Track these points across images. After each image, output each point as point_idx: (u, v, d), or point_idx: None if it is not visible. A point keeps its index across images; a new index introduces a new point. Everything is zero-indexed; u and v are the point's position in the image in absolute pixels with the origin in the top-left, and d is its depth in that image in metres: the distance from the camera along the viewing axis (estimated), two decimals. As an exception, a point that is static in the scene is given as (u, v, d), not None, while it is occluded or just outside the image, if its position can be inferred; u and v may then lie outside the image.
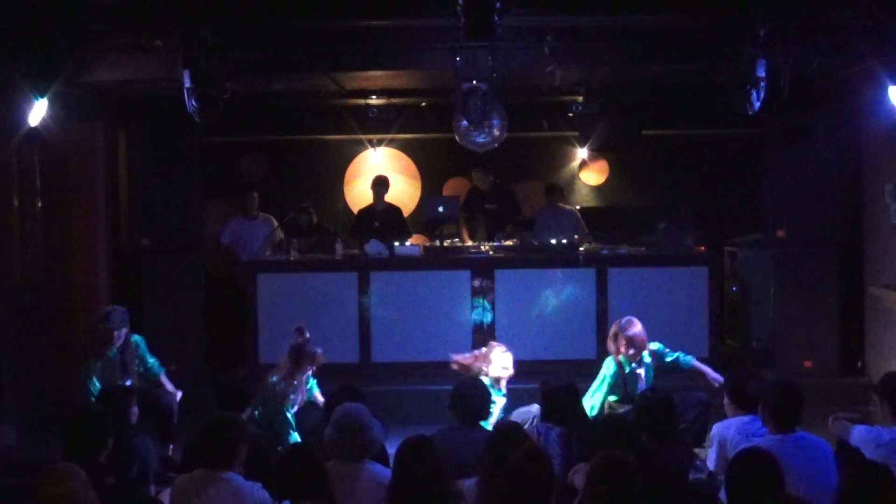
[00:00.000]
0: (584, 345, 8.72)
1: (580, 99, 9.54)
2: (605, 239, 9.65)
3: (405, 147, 11.46)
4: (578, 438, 5.11)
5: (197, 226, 9.11)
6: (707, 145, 10.95)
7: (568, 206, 10.35)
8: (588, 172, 11.51)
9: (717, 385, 6.69)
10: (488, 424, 6.13)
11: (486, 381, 6.35)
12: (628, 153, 10.91)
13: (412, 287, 8.81)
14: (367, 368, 8.65)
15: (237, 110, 8.05)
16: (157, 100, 8.48)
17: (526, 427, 5.51)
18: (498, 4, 6.25)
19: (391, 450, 4.87)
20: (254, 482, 4.32)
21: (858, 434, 4.80)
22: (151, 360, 7.14)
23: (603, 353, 8.63)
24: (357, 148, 11.46)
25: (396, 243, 9.04)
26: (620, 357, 6.82)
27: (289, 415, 6.36)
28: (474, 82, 6.98)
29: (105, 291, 8.67)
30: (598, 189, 11.57)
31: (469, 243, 9.71)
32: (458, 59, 6.99)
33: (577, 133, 10.86)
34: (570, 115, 9.91)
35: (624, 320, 6.84)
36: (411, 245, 9.15)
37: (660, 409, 5.05)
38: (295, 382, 6.43)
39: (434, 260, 8.96)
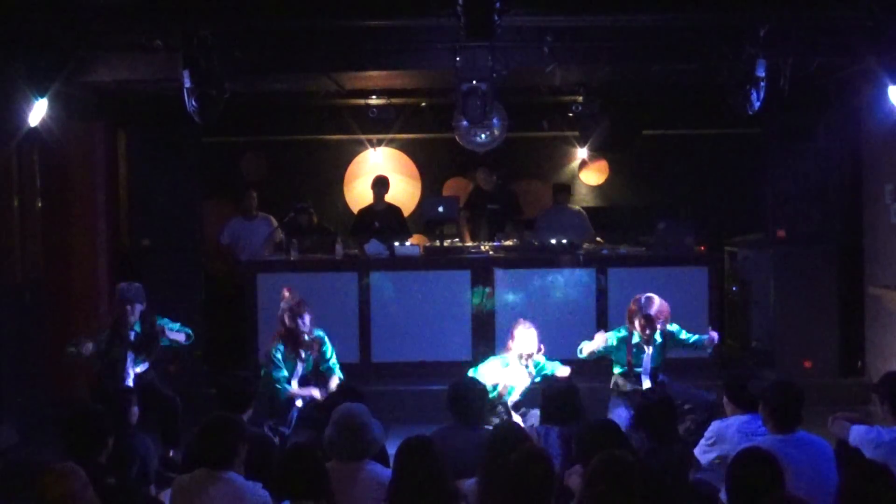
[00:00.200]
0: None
1: (580, 99, 9.54)
2: (605, 239, 9.67)
3: (405, 147, 11.46)
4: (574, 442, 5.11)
5: (197, 226, 9.11)
6: (707, 145, 10.95)
7: (575, 207, 10.35)
8: (588, 172, 11.51)
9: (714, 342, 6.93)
10: (508, 402, 6.49)
11: (510, 358, 6.62)
12: (628, 153, 10.91)
13: (412, 287, 8.81)
14: (367, 368, 8.65)
15: (237, 110, 8.05)
16: (157, 100, 8.48)
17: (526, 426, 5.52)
18: (498, 4, 6.25)
19: (391, 450, 4.87)
20: (254, 482, 4.32)
21: (858, 434, 4.79)
22: (174, 326, 7.07)
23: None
24: (357, 148, 11.46)
25: (396, 243, 9.04)
26: (635, 332, 6.84)
27: (277, 375, 6.64)
28: (474, 82, 6.98)
29: (105, 291, 8.65)
30: (598, 189, 11.58)
31: (470, 243, 9.71)
32: (458, 59, 6.99)
33: (577, 133, 10.87)
34: (570, 115, 9.91)
35: (644, 298, 6.81)
36: (411, 245, 9.15)
37: (660, 409, 5.05)
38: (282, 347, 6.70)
39: (434, 260, 8.96)
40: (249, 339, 8.73)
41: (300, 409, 6.64)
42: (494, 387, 6.58)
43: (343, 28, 7.26)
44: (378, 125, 10.66)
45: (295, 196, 10.41)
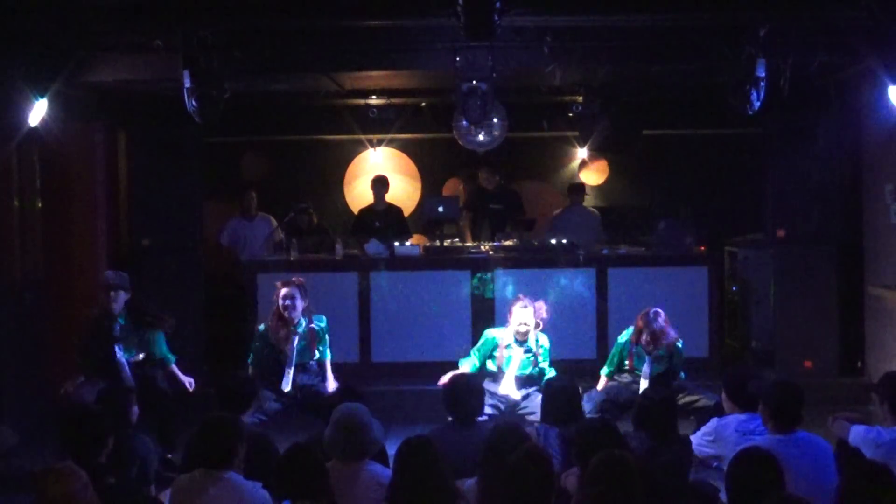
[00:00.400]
0: (584, 345, 8.72)
1: (580, 99, 9.54)
2: (605, 239, 9.67)
3: (405, 147, 11.46)
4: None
5: (197, 226, 9.11)
6: (707, 145, 10.95)
7: (590, 207, 10.33)
8: (588, 172, 11.51)
9: None
10: (504, 378, 6.62)
11: (509, 333, 6.79)
12: (628, 153, 10.91)
13: (412, 287, 8.81)
14: (367, 368, 8.65)
15: (237, 110, 8.05)
16: (157, 100, 8.48)
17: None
18: (498, 4, 6.24)
19: (391, 450, 4.87)
20: (254, 482, 4.32)
21: (858, 434, 4.79)
22: (162, 352, 7.06)
23: (603, 353, 8.66)
24: (357, 148, 11.46)
25: (396, 243, 9.04)
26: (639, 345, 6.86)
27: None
28: (474, 82, 6.99)
29: (105, 291, 8.66)
30: (598, 189, 11.57)
31: (470, 243, 9.71)
32: (458, 59, 7.00)
33: (577, 133, 10.87)
34: (570, 115, 9.92)
35: (652, 312, 6.82)
36: (411, 245, 9.16)
37: (660, 409, 5.05)
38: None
39: (434, 260, 8.96)
40: (249, 340, 8.72)
41: None
42: (494, 340, 6.85)
43: (343, 28, 7.26)
44: (378, 125, 10.66)
45: (295, 196, 10.41)
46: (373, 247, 8.97)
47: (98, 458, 4.57)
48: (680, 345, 6.88)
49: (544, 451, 4.16)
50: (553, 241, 9.01)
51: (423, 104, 10.57)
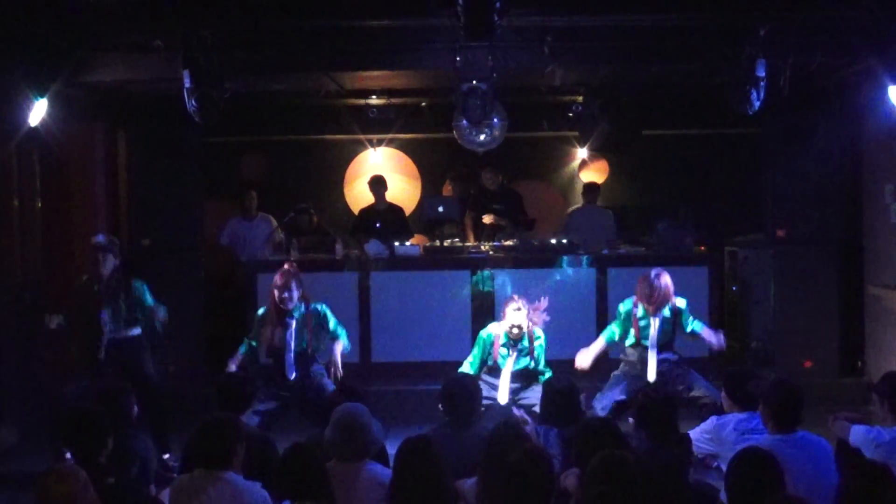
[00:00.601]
0: (584, 345, 8.64)
1: (580, 99, 9.55)
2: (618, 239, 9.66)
3: (405, 147, 11.46)
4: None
5: (197, 226, 9.11)
6: (707, 145, 10.95)
7: (604, 208, 10.30)
8: (588, 172, 11.50)
9: (716, 348, 7.06)
10: (501, 379, 6.64)
11: (502, 330, 6.82)
12: (628, 153, 10.91)
13: (412, 287, 8.81)
14: (367, 368, 8.65)
15: (237, 110, 8.04)
16: (157, 100, 8.48)
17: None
18: (498, 4, 6.24)
19: (391, 450, 4.87)
20: (253, 482, 4.32)
21: (858, 434, 4.79)
22: (149, 302, 7.07)
23: (603, 353, 8.65)
24: (357, 148, 11.46)
25: (396, 243, 9.04)
26: (640, 306, 6.90)
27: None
28: (474, 82, 6.98)
29: (105, 291, 8.66)
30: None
31: (472, 243, 9.71)
32: (458, 59, 6.99)
33: (577, 133, 10.87)
34: (570, 115, 9.92)
35: (654, 272, 6.85)
36: (411, 245, 9.16)
37: (660, 409, 5.04)
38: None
39: (434, 260, 8.96)
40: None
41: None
42: (489, 337, 6.88)
43: (343, 28, 7.25)
44: (378, 125, 10.66)
45: (295, 196, 10.41)
46: (373, 247, 8.97)
47: (98, 458, 4.57)
48: (683, 305, 6.94)
49: (544, 451, 4.16)
50: (553, 241, 9.00)
51: (423, 104, 10.57)
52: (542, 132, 11.15)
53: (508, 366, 6.80)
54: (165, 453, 6.78)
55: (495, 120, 8.32)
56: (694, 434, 5.27)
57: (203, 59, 6.89)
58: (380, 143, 11.40)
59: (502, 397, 6.77)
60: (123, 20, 6.85)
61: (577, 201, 11.35)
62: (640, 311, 6.94)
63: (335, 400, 5.24)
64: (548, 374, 6.86)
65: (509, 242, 9.36)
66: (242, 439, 4.40)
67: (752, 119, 7.50)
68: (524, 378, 6.88)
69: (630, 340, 7.05)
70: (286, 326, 6.78)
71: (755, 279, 9.24)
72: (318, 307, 6.93)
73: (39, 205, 8.06)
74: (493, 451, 4.34)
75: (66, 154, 8.42)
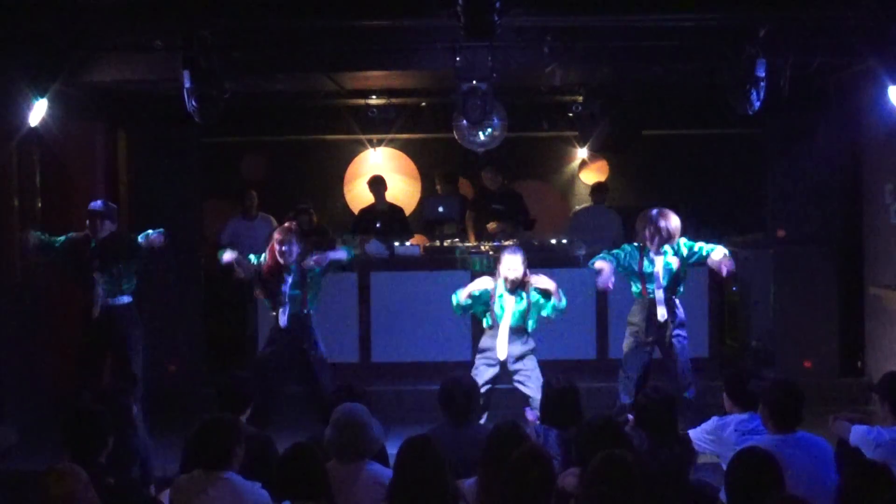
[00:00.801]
0: (583, 345, 8.73)
1: (580, 99, 9.54)
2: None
3: (405, 147, 11.46)
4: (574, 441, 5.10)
5: (197, 226, 9.11)
6: (707, 145, 10.95)
7: (610, 208, 10.30)
8: (588, 172, 11.51)
9: (724, 273, 6.89)
10: (499, 331, 6.68)
11: (499, 283, 6.82)
12: (628, 153, 10.91)
13: (412, 287, 8.80)
14: (367, 368, 8.65)
15: (237, 110, 8.05)
16: (157, 100, 8.48)
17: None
18: (498, 4, 6.23)
19: (391, 450, 4.87)
20: (253, 482, 4.32)
21: (858, 434, 4.80)
22: (139, 239, 7.09)
23: (603, 353, 8.67)
24: (357, 148, 11.46)
25: (396, 243, 9.04)
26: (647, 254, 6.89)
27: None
28: (474, 82, 6.98)
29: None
30: (598, 189, 11.56)
31: (472, 243, 9.70)
32: (458, 59, 6.99)
33: (577, 133, 10.87)
34: (570, 115, 9.92)
35: (655, 212, 6.85)
36: (411, 245, 9.15)
37: (660, 409, 5.04)
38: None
39: (434, 260, 8.96)
40: (249, 339, 8.73)
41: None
42: (486, 292, 6.91)
43: (343, 28, 7.25)
44: (378, 125, 10.67)
45: (295, 196, 10.41)
46: (373, 247, 8.97)
47: (98, 458, 4.57)
48: (685, 242, 6.92)
49: (544, 451, 4.16)
50: (553, 241, 9.00)
51: (423, 104, 10.58)
52: (542, 132, 11.15)
53: (507, 314, 6.80)
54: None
55: (495, 120, 8.31)
56: (695, 434, 5.27)
57: (203, 59, 6.89)
58: (380, 143, 11.40)
59: (501, 352, 6.80)
60: (123, 20, 6.84)
61: (578, 201, 11.36)
62: (645, 252, 6.90)
63: (335, 400, 5.24)
64: (554, 303, 6.85)
65: (509, 242, 9.35)
66: (242, 439, 4.41)
67: (752, 119, 7.49)
68: (519, 337, 6.87)
69: (635, 288, 7.02)
70: (283, 281, 6.97)
71: (755, 279, 9.24)
72: (316, 269, 7.08)
73: (39, 205, 8.06)
74: (493, 451, 4.34)
75: (66, 154, 8.42)
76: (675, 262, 6.89)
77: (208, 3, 6.83)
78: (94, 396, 5.70)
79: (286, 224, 7.17)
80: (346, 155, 11.49)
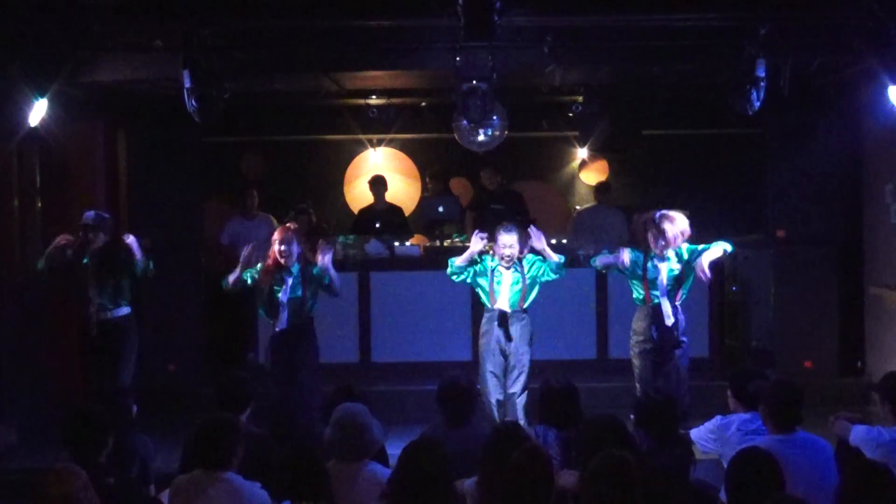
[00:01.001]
0: (583, 345, 8.72)
1: (580, 99, 9.54)
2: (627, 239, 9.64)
3: (405, 147, 11.45)
4: (576, 440, 5.10)
5: (197, 226, 9.11)
6: (707, 145, 10.94)
7: (614, 208, 10.30)
8: (588, 172, 11.50)
9: (704, 279, 6.94)
10: (499, 296, 6.83)
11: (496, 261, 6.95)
12: (628, 153, 10.90)
13: (412, 287, 8.80)
14: (367, 368, 8.65)
15: (237, 110, 8.05)
16: (157, 100, 8.48)
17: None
18: (498, 4, 6.24)
19: (391, 450, 4.87)
20: (253, 482, 4.32)
21: (859, 434, 4.80)
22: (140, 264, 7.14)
23: (602, 353, 8.67)
24: (357, 148, 11.46)
25: (396, 243, 9.03)
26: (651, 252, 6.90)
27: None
28: (474, 82, 6.98)
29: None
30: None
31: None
32: (458, 59, 6.99)
33: (577, 133, 10.87)
34: (570, 115, 9.91)
35: (658, 215, 6.86)
36: (411, 245, 9.15)
37: (661, 409, 5.04)
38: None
39: (434, 260, 8.96)
40: (249, 339, 8.73)
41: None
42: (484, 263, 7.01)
43: (343, 28, 7.25)
44: (378, 125, 10.66)
45: (295, 196, 10.41)
46: (373, 247, 8.97)
47: (98, 458, 4.57)
48: (688, 247, 6.92)
49: (544, 451, 4.16)
50: (553, 241, 8.98)
51: (423, 104, 10.56)
52: (542, 132, 11.14)
53: (504, 288, 6.94)
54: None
55: (495, 120, 8.31)
56: (697, 433, 5.27)
57: (203, 59, 6.89)
58: (380, 143, 11.39)
59: (502, 303, 6.91)
60: (123, 20, 6.85)
61: (578, 201, 11.36)
62: (649, 258, 6.91)
63: (335, 400, 5.24)
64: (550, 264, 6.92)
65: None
66: (242, 439, 4.40)
67: (752, 119, 7.49)
68: (515, 313, 6.96)
69: (637, 295, 7.03)
70: (283, 282, 6.90)
71: (755, 279, 9.24)
72: (316, 270, 7.00)
73: (39, 205, 8.06)
74: (493, 451, 4.34)
75: (66, 154, 8.41)
76: (678, 268, 6.89)
77: (208, 3, 6.84)
78: (95, 396, 5.71)
79: (287, 224, 7.14)
80: (346, 155, 11.49)
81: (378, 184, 9.99)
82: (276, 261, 6.93)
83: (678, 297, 6.98)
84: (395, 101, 10.17)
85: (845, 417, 5.01)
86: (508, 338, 6.97)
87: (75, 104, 8.10)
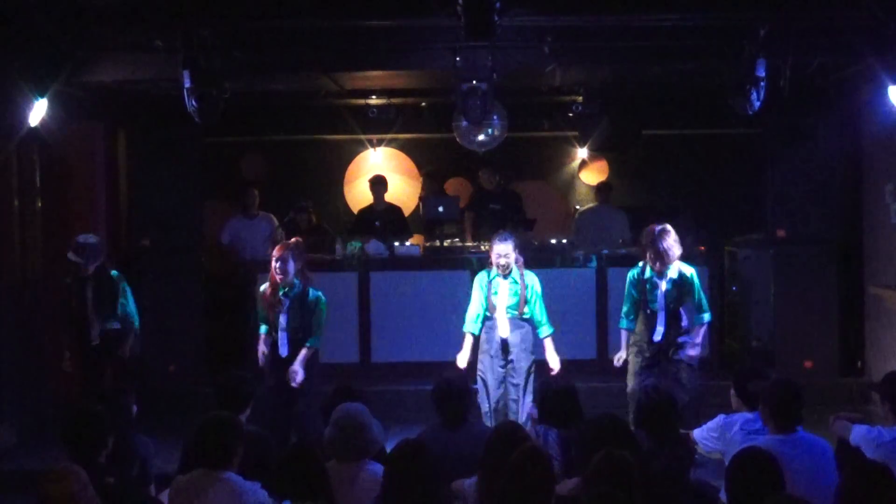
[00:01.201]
0: (583, 345, 8.72)
1: (580, 99, 9.54)
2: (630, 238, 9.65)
3: (405, 147, 11.46)
4: (578, 440, 5.10)
5: (197, 226, 9.12)
6: (707, 145, 10.94)
7: (616, 208, 10.29)
8: (588, 172, 11.50)
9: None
10: (497, 313, 6.81)
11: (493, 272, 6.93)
12: (628, 153, 10.91)
13: (412, 287, 8.81)
14: (367, 368, 8.66)
15: (237, 110, 8.04)
16: (157, 100, 8.48)
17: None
18: (498, 4, 6.24)
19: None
20: (253, 482, 4.32)
21: (859, 434, 4.79)
22: (130, 307, 7.24)
23: (603, 353, 8.67)
24: (357, 148, 11.46)
25: (396, 243, 9.04)
26: (648, 268, 6.90)
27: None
28: (474, 82, 6.98)
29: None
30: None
31: (471, 243, 9.70)
32: (458, 59, 6.99)
33: (577, 133, 10.87)
34: (570, 115, 9.91)
35: (659, 228, 6.84)
36: (411, 245, 9.15)
37: (661, 410, 5.04)
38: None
39: (434, 260, 8.96)
40: (249, 339, 8.72)
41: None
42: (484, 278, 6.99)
43: (343, 28, 7.26)
44: (378, 125, 10.66)
45: (295, 196, 10.41)
46: (373, 247, 8.97)
47: (98, 458, 4.57)
48: (691, 274, 6.90)
49: (544, 451, 4.16)
50: (553, 241, 9.00)
51: (423, 104, 10.57)
52: (542, 132, 11.14)
53: (502, 297, 6.88)
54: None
55: (495, 120, 8.32)
56: (700, 432, 5.26)
57: (203, 59, 6.90)
58: (380, 143, 11.39)
59: (503, 331, 6.87)
60: (123, 20, 6.85)
61: (578, 201, 11.36)
62: (647, 272, 6.91)
63: (335, 400, 5.24)
64: (547, 328, 6.91)
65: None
66: (242, 439, 4.40)
67: (752, 119, 7.50)
68: (516, 328, 6.92)
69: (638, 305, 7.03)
70: (281, 303, 6.77)
71: (755, 279, 9.24)
72: (316, 294, 6.85)
73: (39, 205, 8.06)
74: (493, 451, 4.34)
75: (66, 154, 8.42)
76: (675, 291, 6.89)
77: (208, 3, 6.84)
78: (95, 396, 5.71)
79: (292, 240, 6.98)
80: (346, 155, 11.49)
81: (378, 184, 10.00)
82: (273, 278, 6.78)
83: (677, 316, 6.97)
84: (395, 101, 10.18)
85: (845, 417, 5.00)
86: (506, 350, 6.95)
87: (75, 104, 8.10)
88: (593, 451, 4.03)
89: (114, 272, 7.26)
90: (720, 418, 5.29)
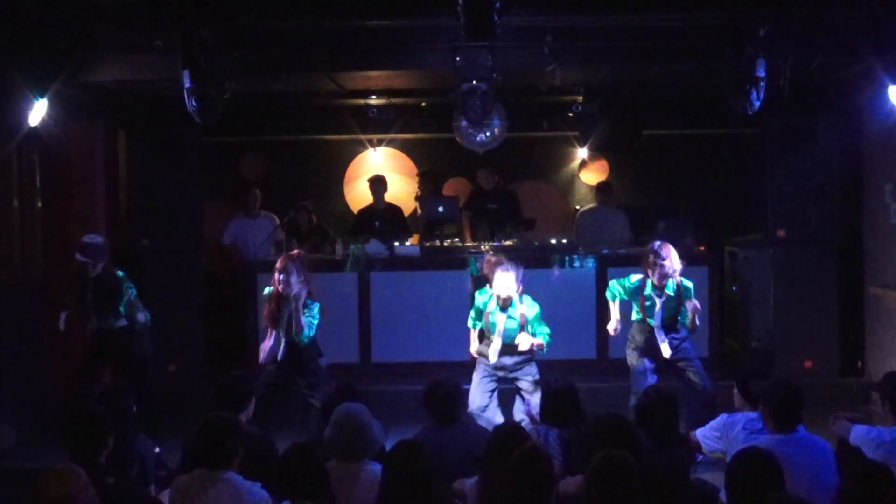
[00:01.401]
0: (583, 345, 8.72)
1: (580, 99, 9.54)
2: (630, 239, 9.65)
3: (405, 147, 11.46)
4: (578, 440, 5.10)
5: (197, 226, 9.11)
6: (707, 145, 10.95)
7: (616, 208, 10.29)
8: (588, 172, 11.51)
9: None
10: (492, 346, 6.69)
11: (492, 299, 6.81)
12: (628, 153, 10.91)
13: (412, 287, 8.80)
14: (367, 368, 8.66)
15: (237, 110, 8.04)
16: (157, 100, 8.48)
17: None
18: (498, 4, 6.25)
19: (391, 450, 4.85)
20: (253, 482, 4.32)
21: (859, 433, 4.79)
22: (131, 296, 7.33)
23: (603, 353, 8.67)
24: (357, 148, 11.46)
25: (396, 243, 9.04)
26: (648, 281, 6.89)
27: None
28: (474, 82, 6.98)
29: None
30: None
31: (470, 243, 9.71)
32: (458, 59, 6.99)
33: (577, 133, 10.87)
34: (570, 115, 9.91)
35: (657, 244, 6.85)
36: (411, 245, 9.15)
37: (660, 409, 5.04)
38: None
39: (434, 260, 8.96)
40: (249, 339, 8.72)
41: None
42: (483, 306, 6.89)
43: (343, 28, 7.26)
44: (378, 125, 10.65)
45: (295, 196, 10.41)
46: (373, 247, 8.97)
47: (98, 458, 4.57)
48: (688, 284, 6.90)
49: (544, 451, 4.16)
50: (553, 241, 9.00)
51: (423, 104, 10.57)
52: (542, 132, 11.14)
53: (499, 329, 6.80)
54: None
55: (495, 120, 8.31)
56: (702, 432, 5.26)
57: (203, 59, 6.89)
58: (380, 143, 11.40)
59: (493, 356, 6.78)
60: (123, 20, 6.86)
61: (578, 201, 11.36)
62: (647, 288, 6.90)
63: (335, 400, 5.24)
64: (544, 333, 6.83)
65: (509, 242, 9.36)
66: (242, 439, 4.40)
67: (752, 119, 7.49)
68: (515, 352, 6.85)
69: (636, 315, 7.03)
70: (283, 314, 6.77)
71: (755, 279, 9.24)
72: (313, 304, 6.85)
73: (39, 205, 8.07)
74: (494, 451, 4.34)
75: (66, 154, 8.42)
76: (674, 302, 6.89)
77: (208, 3, 6.84)
78: (95, 396, 5.70)
79: (294, 252, 6.99)
80: (346, 155, 11.49)
81: (378, 184, 10.00)
82: (276, 290, 6.77)
83: (675, 326, 6.96)
84: (395, 101, 10.17)
85: (845, 417, 5.00)
86: (505, 369, 6.89)
87: (75, 104, 8.10)
88: (596, 451, 4.04)
89: (119, 272, 7.31)
90: (722, 417, 5.29)
